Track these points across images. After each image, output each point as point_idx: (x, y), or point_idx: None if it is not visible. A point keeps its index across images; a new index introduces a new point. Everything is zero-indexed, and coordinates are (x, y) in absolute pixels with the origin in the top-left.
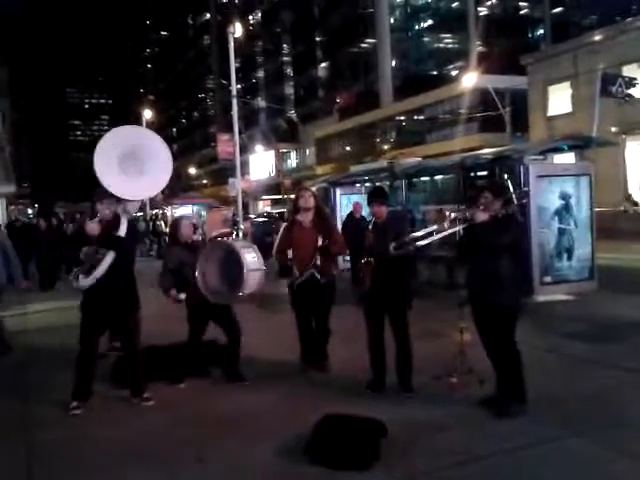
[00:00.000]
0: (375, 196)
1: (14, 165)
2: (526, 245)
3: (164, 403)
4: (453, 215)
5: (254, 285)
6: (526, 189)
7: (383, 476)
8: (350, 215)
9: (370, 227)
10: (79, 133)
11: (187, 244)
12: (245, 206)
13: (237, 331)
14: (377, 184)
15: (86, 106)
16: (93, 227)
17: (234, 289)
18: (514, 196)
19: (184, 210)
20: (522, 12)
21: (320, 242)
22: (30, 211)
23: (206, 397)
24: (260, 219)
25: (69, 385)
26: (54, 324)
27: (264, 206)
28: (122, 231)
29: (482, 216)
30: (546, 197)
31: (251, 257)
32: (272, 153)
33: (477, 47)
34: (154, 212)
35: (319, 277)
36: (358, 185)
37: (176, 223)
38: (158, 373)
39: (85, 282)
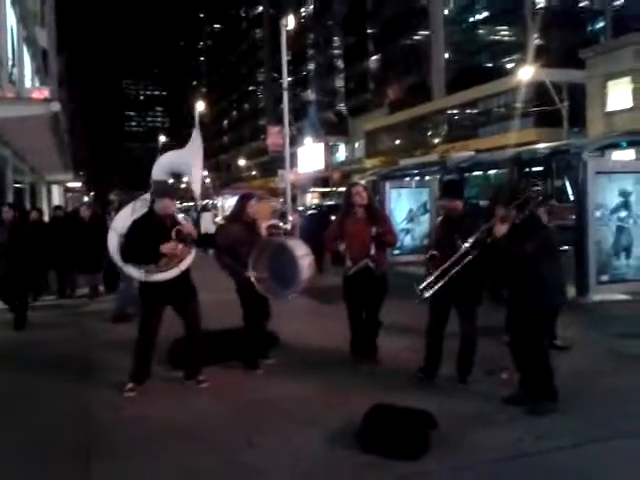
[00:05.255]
0: (448, 190)
1: (71, 154)
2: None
3: (217, 387)
4: (470, 240)
5: (307, 275)
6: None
7: (433, 467)
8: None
9: (440, 221)
10: (134, 124)
11: (247, 223)
12: (293, 198)
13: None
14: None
15: (141, 98)
16: (190, 227)
17: (288, 285)
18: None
19: (234, 201)
20: (581, 4)
21: (374, 232)
22: (86, 199)
23: (257, 382)
24: (310, 211)
25: (128, 367)
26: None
27: (312, 199)
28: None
29: (502, 229)
30: (604, 194)
31: (300, 247)
32: (321, 146)
33: (534, 40)
34: (205, 202)
35: (373, 267)
36: (408, 179)
37: (244, 200)
38: (212, 357)
39: (168, 274)
